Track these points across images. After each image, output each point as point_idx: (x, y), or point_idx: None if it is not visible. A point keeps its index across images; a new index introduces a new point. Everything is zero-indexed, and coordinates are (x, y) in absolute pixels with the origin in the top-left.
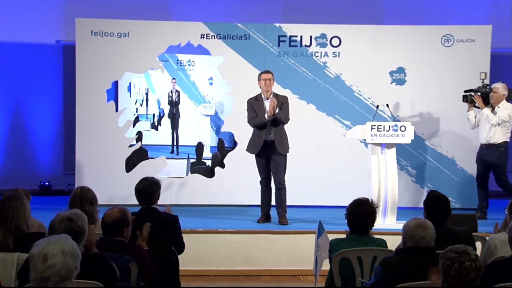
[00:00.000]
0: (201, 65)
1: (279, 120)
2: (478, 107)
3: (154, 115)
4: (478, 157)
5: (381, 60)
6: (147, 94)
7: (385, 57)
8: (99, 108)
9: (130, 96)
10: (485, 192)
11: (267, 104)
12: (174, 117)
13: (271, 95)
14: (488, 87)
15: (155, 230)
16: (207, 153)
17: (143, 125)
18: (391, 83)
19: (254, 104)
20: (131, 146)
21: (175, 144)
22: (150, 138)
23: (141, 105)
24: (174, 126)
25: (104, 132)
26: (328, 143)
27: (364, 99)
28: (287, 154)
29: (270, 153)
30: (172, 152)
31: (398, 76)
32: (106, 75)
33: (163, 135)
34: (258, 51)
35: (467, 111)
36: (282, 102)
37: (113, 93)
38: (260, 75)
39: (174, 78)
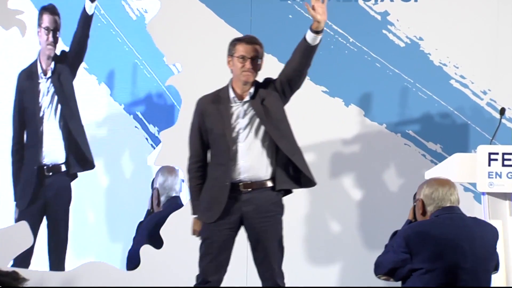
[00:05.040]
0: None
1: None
2: None
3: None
4: None
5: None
6: None
7: None
8: None
9: None
10: None
11: (241, 111)
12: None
13: (252, 89)
14: None
15: None
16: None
17: None
18: None
19: (210, 113)
20: None
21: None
22: None
23: None
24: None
25: None
26: (393, 189)
27: (474, 94)
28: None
29: (244, 213)
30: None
31: None
32: None
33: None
34: None
35: None
36: (269, 98)
37: None
38: (234, 45)
39: (44, 10)
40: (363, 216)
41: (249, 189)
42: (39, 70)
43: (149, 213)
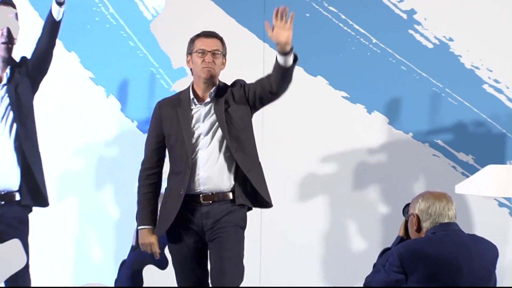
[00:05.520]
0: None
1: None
2: None
3: None
4: None
5: None
6: None
7: None
8: None
9: None
10: None
11: (201, 115)
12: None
13: (213, 89)
14: None
15: None
16: None
17: None
18: None
19: (168, 117)
20: None
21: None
22: None
23: None
24: None
25: None
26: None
27: (509, 99)
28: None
29: (204, 226)
30: None
31: None
32: None
33: None
34: None
35: None
36: (235, 105)
37: None
38: (192, 41)
39: None
40: (388, 233)
41: (209, 201)
42: None
43: (133, 249)
